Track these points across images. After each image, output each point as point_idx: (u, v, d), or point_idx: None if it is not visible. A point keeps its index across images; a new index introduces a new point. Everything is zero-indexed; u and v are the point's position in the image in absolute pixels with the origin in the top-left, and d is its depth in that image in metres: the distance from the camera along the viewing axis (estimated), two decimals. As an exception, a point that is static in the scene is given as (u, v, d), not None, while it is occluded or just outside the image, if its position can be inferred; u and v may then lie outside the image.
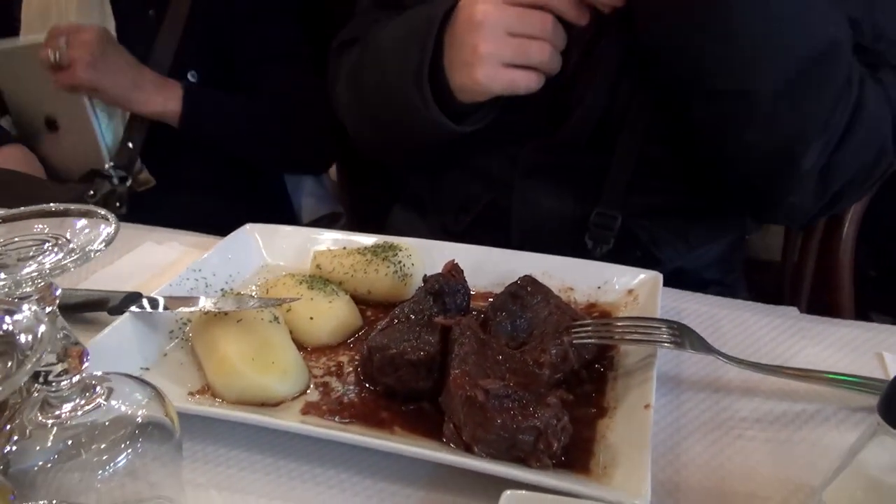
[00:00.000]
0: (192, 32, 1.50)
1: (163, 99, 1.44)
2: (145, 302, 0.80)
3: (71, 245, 0.45)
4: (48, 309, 0.45)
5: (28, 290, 0.44)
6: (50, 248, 0.45)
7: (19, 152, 1.52)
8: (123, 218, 1.36)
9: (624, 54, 0.94)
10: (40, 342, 0.36)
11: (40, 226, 0.49)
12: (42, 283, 0.43)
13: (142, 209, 1.46)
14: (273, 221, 1.03)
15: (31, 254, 0.46)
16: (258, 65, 1.55)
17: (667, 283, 0.87)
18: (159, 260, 1.00)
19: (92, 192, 1.41)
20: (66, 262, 0.43)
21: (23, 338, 0.36)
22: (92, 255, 0.44)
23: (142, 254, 1.01)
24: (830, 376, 0.71)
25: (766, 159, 0.89)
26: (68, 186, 1.46)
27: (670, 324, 0.73)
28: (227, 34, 1.53)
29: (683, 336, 0.71)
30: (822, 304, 1.61)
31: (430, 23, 0.92)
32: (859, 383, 0.71)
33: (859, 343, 0.81)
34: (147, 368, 0.75)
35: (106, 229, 0.46)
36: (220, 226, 1.05)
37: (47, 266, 0.43)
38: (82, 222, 0.48)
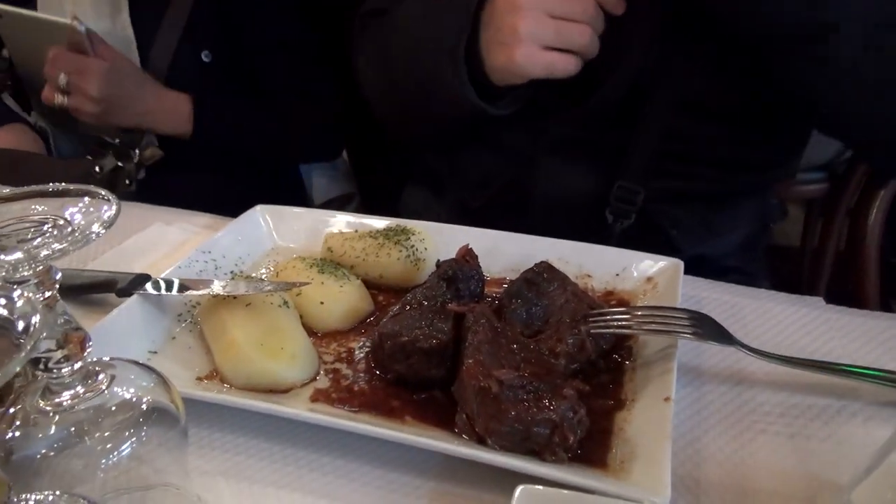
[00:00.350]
0: (201, 12, 1.49)
1: (172, 124, 1.47)
2: (154, 284, 0.79)
3: (71, 227, 0.44)
4: (47, 293, 0.44)
5: (26, 273, 0.42)
6: (49, 230, 0.44)
7: (20, 131, 1.51)
8: (133, 196, 1.36)
9: (656, 26, 0.90)
10: (35, 330, 0.34)
11: (39, 207, 0.48)
12: (41, 268, 0.41)
13: (151, 188, 1.45)
14: (284, 202, 1.01)
15: (29, 236, 0.45)
16: (264, 53, 1.54)
17: (687, 270, 0.84)
18: (169, 240, 0.99)
19: (98, 168, 1.40)
20: (65, 245, 0.42)
21: (19, 324, 0.34)
22: (93, 237, 0.43)
23: (151, 234, 1.00)
24: (857, 370, 0.68)
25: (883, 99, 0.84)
26: (73, 162, 1.44)
27: (691, 314, 0.70)
28: (234, 17, 1.51)
29: (705, 327, 0.69)
30: (842, 290, 1.58)
31: (466, 8, 0.89)
32: (887, 378, 0.68)
33: (887, 336, 0.78)
34: (155, 352, 0.74)
35: (107, 211, 0.44)
36: (231, 206, 1.04)
37: (46, 250, 0.41)
38: (82, 203, 0.46)
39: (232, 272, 0.88)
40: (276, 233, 0.97)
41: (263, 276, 0.88)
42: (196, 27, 1.49)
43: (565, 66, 0.86)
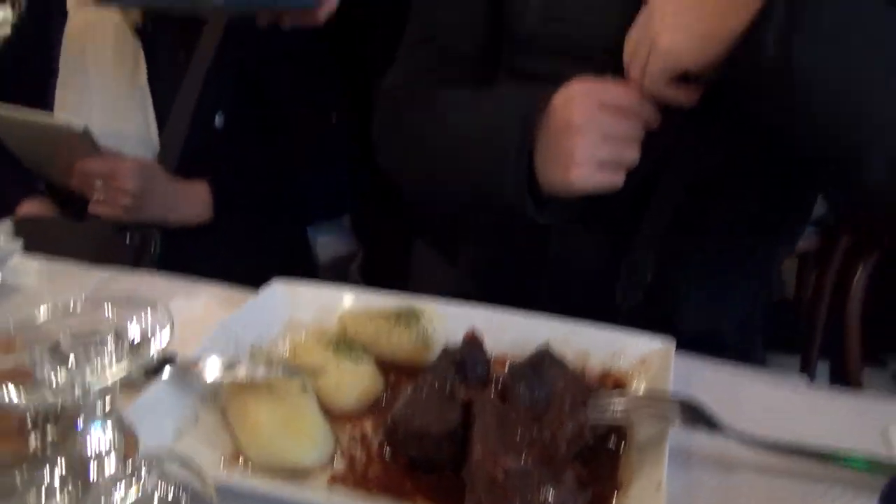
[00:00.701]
0: (218, 75, 1.55)
1: (195, 213, 1.56)
2: (179, 365, 0.84)
3: (130, 345, 0.49)
4: (107, 407, 0.49)
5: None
6: (111, 344, 0.49)
7: (41, 202, 1.57)
8: (157, 262, 1.42)
9: (679, 123, 0.95)
10: (113, 473, 0.39)
11: (101, 314, 0.53)
12: (107, 392, 0.47)
13: (165, 253, 1.51)
14: (291, 262, 1.07)
15: (91, 347, 0.50)
16: (269, 64, 1.60)
17: (686, 346, 0.90)
18: (189, 316, 1.04)
19: (128, 238, 1.46)
20: (126, 365, 0.47)
21: (92, 464, 0.40)
22: (152, 360, 0.48)
23: (173, 310, 1.05)
24: (839, 455, 0.74)
25: None
26: (100, 229, 1.50)
27: (683, 400, 0.76)
28: (253, 77, 1.58)
29: (695, 414, 0.75)
30: (834, 344, 1.62)
31: (525, 125, 0.94)
32: (866, 462, 0.73)
33: (867, 418, 0.83)
34: (181, 432, 0.79)
35: (163, 329, 0.50)
36: (243, 270, 1.10)
37: (110, 369, 0.47)
38: (140, 315, 0.52)
39: (251, 349, 0.93)
40: (292, 308, 1.02)
41: (282, 354, 0.93)
42: (212, 92, 1.56)
43: (616, 182, 0.93)
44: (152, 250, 1.48)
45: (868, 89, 0.80)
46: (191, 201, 1.54)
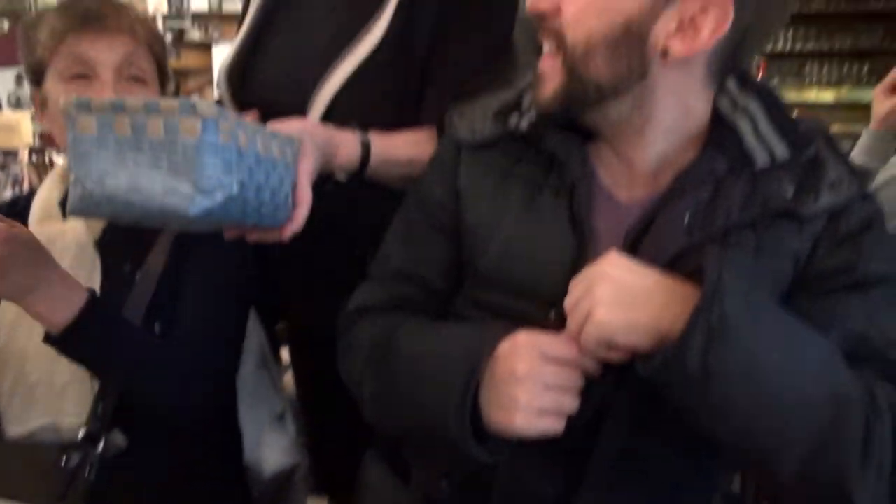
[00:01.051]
0: (163, 287, 1.55)
1: (58, 311, 1.30)
2: None
3: None
4: None
5: None
6: None
7: None
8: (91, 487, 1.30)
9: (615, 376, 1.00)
10: None
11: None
12: None
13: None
14: (228, 478, 0.98)
15: None
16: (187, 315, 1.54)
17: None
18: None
19: (64, 462, 1.35)
20: None
21: None
22: None
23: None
24: None
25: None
26: (35, 451, 1.39)
27: None
28: (191, 290, 1.57)
29: None
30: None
31: (471, 371, 0.98)
32: None
33: None
34: None
35: None
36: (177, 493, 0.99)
37: None
38: None
39: None
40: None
41: None
42: (156, 301, 1.53)
43: (557, 428, 0.96)
44: (87, 474, 1.38)
45: (783, 405, 0.87)
46: (59, 294, 1.30)
